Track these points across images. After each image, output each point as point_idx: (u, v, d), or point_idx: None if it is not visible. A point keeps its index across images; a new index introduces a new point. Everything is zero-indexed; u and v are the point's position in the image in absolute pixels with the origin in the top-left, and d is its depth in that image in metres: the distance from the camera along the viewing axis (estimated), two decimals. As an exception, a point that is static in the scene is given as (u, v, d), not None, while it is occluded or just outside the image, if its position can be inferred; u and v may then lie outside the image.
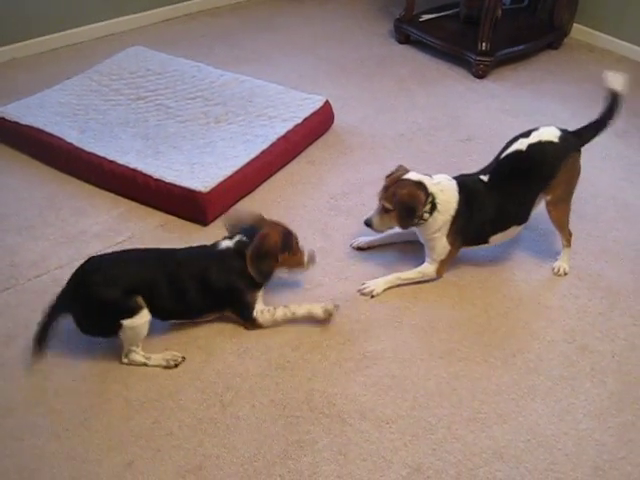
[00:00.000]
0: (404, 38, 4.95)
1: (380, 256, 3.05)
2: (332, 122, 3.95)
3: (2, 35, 4.68)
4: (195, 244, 2.83)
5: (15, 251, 3.08)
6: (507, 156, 2.82)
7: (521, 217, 2.88)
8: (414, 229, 2.85)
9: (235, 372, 2.54)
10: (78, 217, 3.28)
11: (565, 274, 2.95)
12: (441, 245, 2.81)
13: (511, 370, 2.54)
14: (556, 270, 2.96)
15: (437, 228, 2.78)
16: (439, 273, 2.89)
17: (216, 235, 3.10)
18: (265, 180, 3.52)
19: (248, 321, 2.67)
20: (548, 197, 2.84)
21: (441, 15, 4.95)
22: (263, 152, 3.42)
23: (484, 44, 4.39)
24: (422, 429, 2.33)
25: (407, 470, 2.21)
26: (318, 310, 2.68)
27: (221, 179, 3.21)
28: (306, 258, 2.74)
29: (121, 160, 3.35)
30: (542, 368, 2.55)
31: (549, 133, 2.79)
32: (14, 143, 3.78)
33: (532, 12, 5.00)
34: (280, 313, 2.67)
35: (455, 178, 2.86)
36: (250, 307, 2.65)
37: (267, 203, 3.37)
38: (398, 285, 2.89)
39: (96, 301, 2.45)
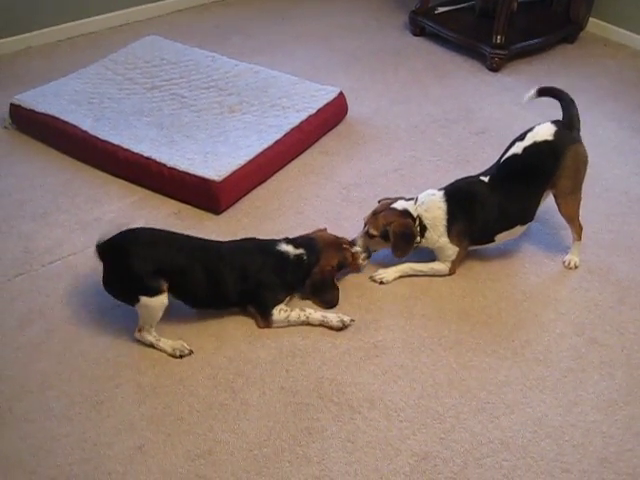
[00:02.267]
0: (419, 30, 4.94)
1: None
2: (346, 113, 3.96)
3: (18, 24, 4.72)
4: (208, 232, 2.86)
5: (30, 237, 3.11)
6: (505, 161, 2.85)
7: (525, 217, 2.89)
8: None
9: (246, 359, 2.56)
10: (92, 204, 3.31)
11: (576, 267, 2.95)
12: (447, 249, 2.85)
13: (520, 362, 2.55)
14: (567, 263, 2.96)
15: (435, 241, 2.85)
16: (452, 271, 2.91)
17: (229, 224, 3.14)
18: (278, 170, 3.53)
19: (264, 317, 2.68)
20: (554, 191, 2.84)
21: (456, 8, 4.94)
22: (276, 142, 3.44)
23: (499, 37, 4.38)
24: (430, 418, 2.35)
25: (415, 458, 2.23)
26: (333, 319, 2.68)
27: (234, 168, 3.23)
28: (362, 260, 2.87)
29: (135, 148, 3.38)
30: (551, 360, 2.56)
31: (544, 132, 2.80)
32: (30, 131, 3.81)
33: (548, 5, 4.98)
34: (294, 315, 2.68)
35: (447, 186, 2.90)
36: (274, 305, 2.68)
37: (280, 193, 3.39)
38: (409, 275, 2.91)
39: (126, 268, 2.50)
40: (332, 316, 2.68)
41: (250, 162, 3.30)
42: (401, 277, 2.91)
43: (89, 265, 2.85)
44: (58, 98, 3.81)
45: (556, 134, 2.78)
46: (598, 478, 2.18)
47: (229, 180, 3.19)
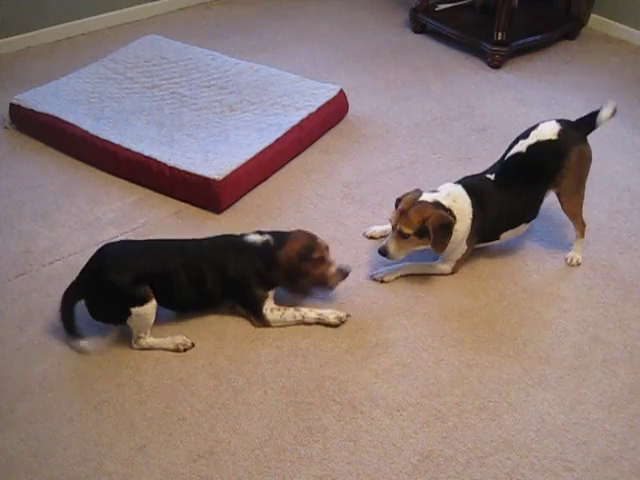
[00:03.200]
0: (420, 28, 4.93)
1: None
2: (346, 111, 3.95)
3: (18, 24, 4.71)
4: (208, 231, 2.85)
5: (30, 238, 3.11)
6: (509, 159, 2.83)
7: (529, 215, 2.88)
8: None
9: (247, 358, 2.55)
10: (93, 204, 3.30)
11: (578, 264, 2.94)
12: (460, 249, 2.82)
13: (522, 360, 2.54)
14: (569, 260, 2.95)
15: (462, 237, 2.78)
16: (455, 271, 2.90)
17: (229, 223, 3.13)
18: (279, 168, 3.52)
19: (257, 317, 2.67)
20: (558, 190, 2.83)
21: (457, 5, 4.92)
22: (277, 140, 3.43)
23: (500, 34, 4.37)
24: (433, 417, 2.34)
25: (417, 457, 2.22)
26: (330, 316, 2.67)
27: (235, 167, 3.22)
28: (332, 271, 2.65)
29: (136, 148, 3.37)
30: (554, 358, 2.55)
31: (548, 131, 2.77)
32: (30, 130, 3.81)
33: (549, 2, 4.96)
34: (289, 314, 2.67)
35: (459, 182, 2.85)
36: (258, 303, 2.66)
37: (281, 191, 3.38)
38: (410, 273, 2.89)
39: (107, 287, 2.48)
40: (328, 312, 2.67)
41: (251, 161, 3.29)
42: (402, 276, 2.90)
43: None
44: (58, 98, 3.80)
45: (560, 133, 2.75)
46: (601, 476, 2.17)
47: (230, 179, 3.18)
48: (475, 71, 4.48)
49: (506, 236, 2.89)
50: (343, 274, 2.67)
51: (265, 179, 3.45)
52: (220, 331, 2.66)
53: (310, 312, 2.68)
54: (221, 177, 3.15)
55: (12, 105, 3.80)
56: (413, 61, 4.60)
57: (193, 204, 3.29)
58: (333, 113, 3.84)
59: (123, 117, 3.66)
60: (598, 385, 2.45)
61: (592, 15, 4.90)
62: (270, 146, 3.40)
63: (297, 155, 3.63)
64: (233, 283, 2.63)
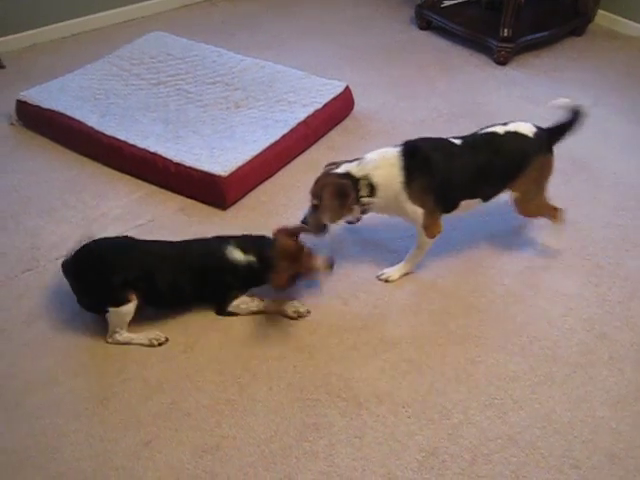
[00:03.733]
0: (425, 24, 4.93)
1: (398, 242, 3.05)
2: (352, 108, 3.95)
3: (24, 21, 4.72)
4: (214, 227, 2.86)
5: (36, 233, 3.12)
6: (484, 134, 2.79)
7: (487, 193, 2.80)
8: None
9: (253, 354, 2.56)
10: (99, 200, 3.31)
11: (558, 249, 2.96)
12: (412, 211, 2.69)
13: (528, 357, 2.54)
14: (550, 244, 2.97)
15: (391, 202, 2.68)
16: (431, 235, 2.79)
17: (235, 219, 3.14)
18: (285, 165, 3.52)
19: (221, 309, 2.71)
20: (516, 194, 2.80)
21: (463, 1, 4.92)
22: (283, 137, 3.43)
23: (506, 30, 4.36)
24: (438, 414, 2.34)
25: (423, 454, 2.22)
26: (289, 309, 2.70)
27: (240, 163, 3.22)
28: (320, 264, 2.65)
29: (141, 144, 3.37)
30: (559, 355, 2.54)
31: (525, 128, 2.75)
32: (36, 127, 3.82)
33: (555, -2, 4.96)
34: (254, 306, 2.70)
35: (408, 142, 2.73)
36: (230, 300, 2.69)
37: (286, 188, 3.38)
38: (413, 265, 2.88)
39: (90, 283, 2.54)
40: (288, 305, 2.71)
41: (256, 157, 3.29)
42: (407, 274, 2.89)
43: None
44: (64, 94, 3.81)
45: (535, 135, 2.73)
46: (607, 474, 2.17)
47: (235, 175, 3.18)
48: (481, 68, 4.47)
49: (465, 206, 2.80)
50: (330, 265, 2.67)
51: (271, 175, 3.45)
52: (226, 328, 2.67)
53: (272, 304, 2.71)
54: (227, 173, 3.16)
55: (18, 101, 3.81)
56: (419, 58, 4.60)
57: (199, 200, 3.29)
58: (339, 110, 3.84)
59: (129, 113, 3.67)
60: (604, 383, 2.45)
61: (599, 11, 4.89)
62: (276, 142, 3.40)
63: (303, 151, 3.62)
64: (212, 289, 2.67)
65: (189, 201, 3.30)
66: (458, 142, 2.75)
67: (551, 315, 2.71)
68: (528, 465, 2.19)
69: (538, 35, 4.57)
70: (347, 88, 3.87)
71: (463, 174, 2.70)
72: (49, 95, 3.78)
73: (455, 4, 4.89)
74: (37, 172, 3.50)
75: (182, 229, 3.11)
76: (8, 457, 2.24)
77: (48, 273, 2.90)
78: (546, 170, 2.79)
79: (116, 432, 2.30)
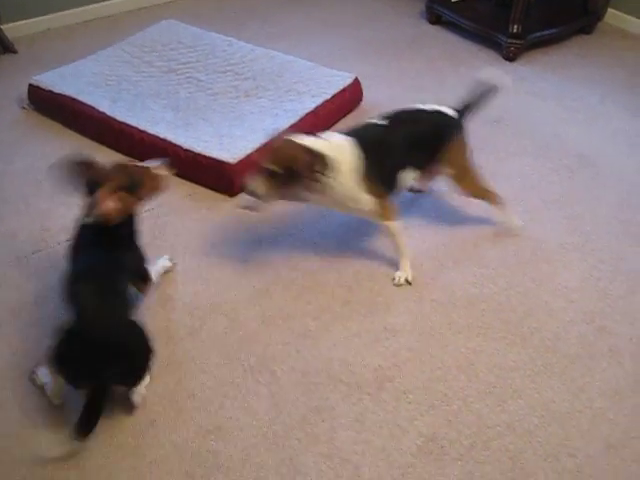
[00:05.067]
0: (435, 19, 4.95)
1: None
2: (361, 99, 3.98)
3: (38, 6, 4.76)
4: (222, 214, 2.91)
5: (47, 216, 3.17)
6: (407, 110, 2.86)
7: (418, 162, 2.82)
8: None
9: (257, 339, 2.60)
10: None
11: (515, 232, 3.03)
12: (366, 201, 2.67)
13: (528, 347, 2.57)
14: (508, 228, 3.04)
15: (347, 190, 2.63)
16: (388, 218, 2.78)
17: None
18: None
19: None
20: (448, 171, 2.87)
21: (473, -4, 4.94)
22: (291, 126, 3.45)
23: (516, 26, 4.37)
24: (438, 400, 2.38)
25: (422, 439, 2.26)
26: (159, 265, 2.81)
27: (249, 151, 3.25)
28: (159, 174, 2.42)
29: (151, 130, 3.41)
30: (559, 347, 2.58)
31: (449, 110, 2.84)
32: (47, 111, 3.86)
33: (566, -5, 4.97)
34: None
35: (351, 130, 2.75)
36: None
37: (293, 177, 3.41)
38: (407, 252, 2.88)
39: None
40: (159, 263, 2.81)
41: (265, 145, 3.32)
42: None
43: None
44: (76, 79, 3.85)
45: (452, 115, 2.83)
46: (603, 463, 2.20)
47: (244, 162, 3.21)
48: (490, 63, 4.48)
49: (405, 178, 2.81)
50: (168, 167, 2.46)
51: (279, 164, 3.48)
52: (232, 311, 2.71)
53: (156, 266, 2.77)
54: (235, 161, 3.19)
55: (31, 86, 3.85)
56: (428, 52, 4.62)
57: (207, 187, 3.33)
58: (348, 101, 3.87)
59: (140, 100, 3.71)
60: (603, 375, 2.48)
61: (609, 10, 4.90)
62: (284, 131, 3.42)
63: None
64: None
65: (198, 187, 3.34)
66: (384, 122, 2.80)
67: (552, 307, 2.74)
68: (525, 452, 2.22)
69: (547, 32, 4.59)
70: (356, 79, 3.90)
71: (395, 148, 2.74)
72: (61, 80, 3.82)
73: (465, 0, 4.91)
74: (48, 156, 3.53)
75: (190, 215, 3.15)
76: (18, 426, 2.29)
77: (57, 254, 2.94)
78: (465, 145, 2.87)
79: (121, 410, 2.35)
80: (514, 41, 4.42)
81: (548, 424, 2.31)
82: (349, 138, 2.66)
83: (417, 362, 2.51)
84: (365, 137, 2.69)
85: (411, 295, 2.78)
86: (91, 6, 4.99)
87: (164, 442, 2.25)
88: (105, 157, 3.46)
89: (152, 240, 2.99)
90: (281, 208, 3.12)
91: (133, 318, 2.30)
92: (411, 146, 2.75)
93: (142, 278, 2.61)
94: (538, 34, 4.54)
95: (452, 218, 2.94)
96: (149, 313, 2.66)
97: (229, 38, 4.31)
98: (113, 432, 2.28)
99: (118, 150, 3.54)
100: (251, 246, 3.03)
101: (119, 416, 2.33)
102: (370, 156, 2.64)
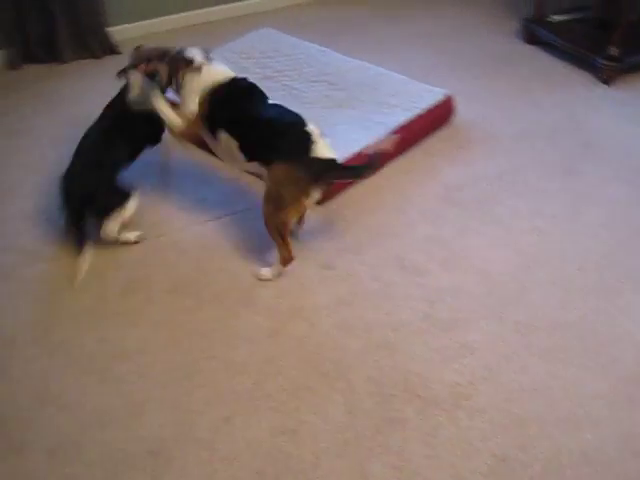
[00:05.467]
0: (530, 38, 4.89)
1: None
2: (453, 116, 3.97)
3: (138, 12, 5.00)
4: (308, 222, 2.95)
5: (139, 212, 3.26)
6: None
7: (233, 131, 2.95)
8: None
9: (336, 346, 2.63)
10: (201, 186, 3.47)
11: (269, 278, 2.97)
12: (191, 101, 2.95)
13: (610, 376, 2.51)
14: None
15: (190, 89, 2.96)
16: (179, 134, 3.02)
17: (328, 216, 3.21)
18: (381, 167, 3.57)
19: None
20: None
21: (572, 18, 4.86)
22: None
23: (614, 49, 4.29)
24: (513, 422, 2.35)
25: (493, 459, 2.24)
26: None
27: (340, 161, 3.27)
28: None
29: (244, 135, 3.48)
30: (642, 379, 2.52)
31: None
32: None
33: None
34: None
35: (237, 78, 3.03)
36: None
37: (381, 189, 3.44)
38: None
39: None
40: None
41: (354, 156, 3.36)
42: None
43: (190, 242, 3.08)
44: (175, 81, 3.96)
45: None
46: (682, 502, 2.15)
47: (332, 172, 3.25)
48: (585, 85, 4.41)
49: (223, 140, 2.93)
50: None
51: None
52: (312, 317, 2.75)
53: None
54: (324, 170, 3.23)
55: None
56: (522, 71, 4.58)
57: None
58: (439, 117, 3.87)
59: (235, 105, 3.79)
60: (687, 411, 2.41)
61: None
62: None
63: (399, 155, 3.67)
64: None
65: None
66: (247, 79, 3.06)
67: (637, 338, 2.67)
68: (600, 484, 2.18)
69: (647, 56, 4.48)
70: (449, 96, 3.89)
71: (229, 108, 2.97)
72: (161, 82, 3.95)
73: (564, 20, 4.84)
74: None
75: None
76: (96, 415, 2.39)
77: (148, 247, 3.05)
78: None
79: (199, 405, 2.41)
80: (611, 64, 4.33)
81: (627, 457, 2.25)
82: (231, 74, 3.03)
83: (494, 382, 2.49)
84: (240, 84, 3.01)
85: (492, 314, 2.76)
86: (194, 12, 5.16)
87: (238, 439, 2.30)
88: (199, 160, 3.60)
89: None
90: (361, 218, 3.15)
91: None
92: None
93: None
94: (637, 58, 4.43)
95: (537, 240, 2.90)
96: (230, 314, 2.74)
97: (324, 48, 4.37)
98: (189, 425, 2.34)
99: (212, 153, 3.63)
100: (335, 254, 3.07)
101: (196, 410, 2.40)
102: (225, 99, 2.94)
